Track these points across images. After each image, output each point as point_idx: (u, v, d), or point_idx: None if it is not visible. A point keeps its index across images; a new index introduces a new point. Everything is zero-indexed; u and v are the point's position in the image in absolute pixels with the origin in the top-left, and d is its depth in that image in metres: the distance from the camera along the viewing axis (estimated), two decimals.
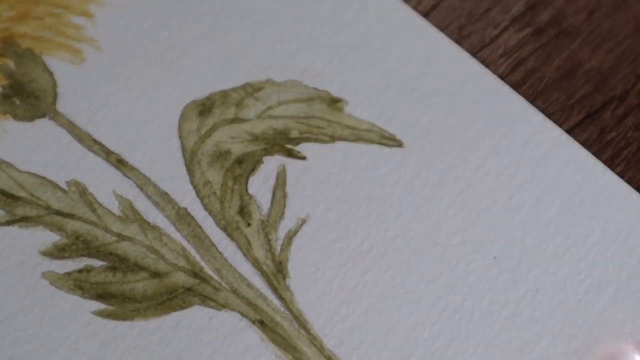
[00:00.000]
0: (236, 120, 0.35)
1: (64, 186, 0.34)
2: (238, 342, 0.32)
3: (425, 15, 0.37)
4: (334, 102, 0.36)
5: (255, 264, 0.33)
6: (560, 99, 0.36)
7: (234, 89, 0.36)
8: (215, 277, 0.33)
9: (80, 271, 0.33)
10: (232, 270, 0.33)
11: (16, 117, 0.35)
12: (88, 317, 0.32)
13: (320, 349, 0.32)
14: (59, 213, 0.34)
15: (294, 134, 0.35)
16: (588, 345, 0.32)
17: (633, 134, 0.36)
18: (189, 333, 0.32)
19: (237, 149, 0.35)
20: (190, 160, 0.35)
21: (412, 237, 0.33)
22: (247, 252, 0.33)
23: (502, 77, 0.36)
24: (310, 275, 0.33)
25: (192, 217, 0.34)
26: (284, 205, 0.34)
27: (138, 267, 0.33)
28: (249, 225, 0.34)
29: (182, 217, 0.34)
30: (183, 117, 0.35)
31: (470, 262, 0.33)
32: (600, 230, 0.34)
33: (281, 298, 0.32)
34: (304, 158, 0.35)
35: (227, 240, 0.33)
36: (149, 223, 0.34)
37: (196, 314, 0.32)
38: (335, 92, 0.36)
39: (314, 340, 0.32)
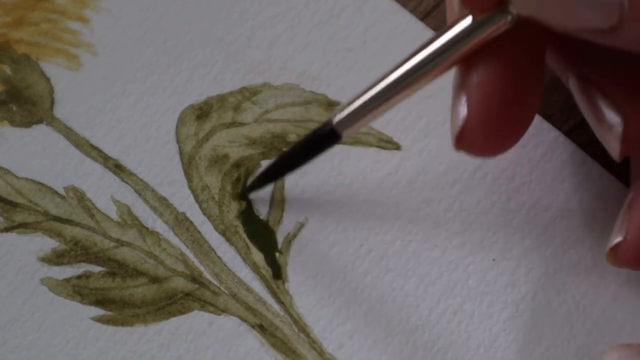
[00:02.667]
0: (234, 124, 0.35)
1: (62, 192, 0.34)
2: (238, 346, 0.32)
3: (426, 15, 0.37)
4: (331, 106, 0.36)
5: (255, 268, 0.33)
6: (559, 100, 0.36)
7: (231, 93, 0.36)
8: (215, 281, 0.33)
9: (79, 277, 0.33)
10: (231, 274, 0.33)
11: (13, 123, 0.35)
12: (87, 323, 0.32)
13: (320, 352, 0.32)
14: (57, 219, 0.34)
15: (292, 137, 0.35)
16: (588, 346, 0.32)
17: None
18: (189, 338, 0.32)
19: (235, 153, 0.35)
20: (188, 165, 0.35)
21: (410, 240, 0.33)
22: (246, 256, 0.33)
23: None
24: (310, 279, 0.33)
25: (191, 222, 0.34)
26: (283, 209, 0.34)
27: (137, 273, 0.33)
28: None
29: (181, 222, 0.34)
30: (180, 121, 0.35)
31: (469, 264, 0.33)
32: (599, 231, 0.34)
33: (280, 302, 0.32)
34: None
35: (226, 244, 0.33)
36: (147, 228, 0.34)
37: (196, 319, 0.32)
38: (332, 96, 0.36)
39: (313, 344, 0.32)
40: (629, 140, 0.29)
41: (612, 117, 0.29)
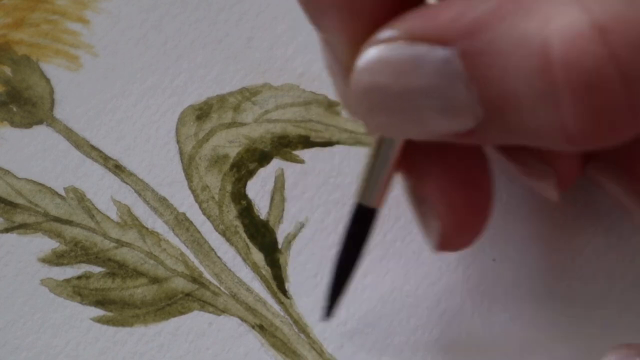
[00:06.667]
0: (234, 124, 0.35)
1: (62, 193, 0.34)
2: (238, 347, 0.32)
3: None
4: (331, 106, 0.36)
5: (255, 268, 0.33)
6: None
7: (231, 94, 0.36)
8: (215, 282, 0.33)
9: (79, 278, 0.33)
10: (231, 275, 0.33)
11: (13, 124, 0.35)
12: (87, 324, 0.32)
13: (320, 353, 0.32)
14: (57, 220, 0.34)
15: (292, 136, 0.35)
16: (589, 347, 0.32)
17: None
18: (189, 339, 0.32)
19: (235, 153, 0.35)
20: (188, 165, 0.35)
21: (410, 240, 0.33)
22: (246, 256, 0.33)
23: None
24: (310, 279, 0.33)
25: (191, 222, 0.34)
26: (283, 209, 0.34)
27: (137, 273, 0.33)
28: None
29: (181, 222, 0.34)
30: (180, 122, 0.35)
31: (469, 265, 0.33)
32: (601, 231, 0.33)
33: (280, 302, 0.32)
34: (302, 162, 0.35)
35: (226, 244, 0.33)
36: (147, 229, 0.34)
37: (196, 319, 0.32)
38: (332, 96, 0.36)
39: (313, 345, 0.32)
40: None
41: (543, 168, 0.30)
